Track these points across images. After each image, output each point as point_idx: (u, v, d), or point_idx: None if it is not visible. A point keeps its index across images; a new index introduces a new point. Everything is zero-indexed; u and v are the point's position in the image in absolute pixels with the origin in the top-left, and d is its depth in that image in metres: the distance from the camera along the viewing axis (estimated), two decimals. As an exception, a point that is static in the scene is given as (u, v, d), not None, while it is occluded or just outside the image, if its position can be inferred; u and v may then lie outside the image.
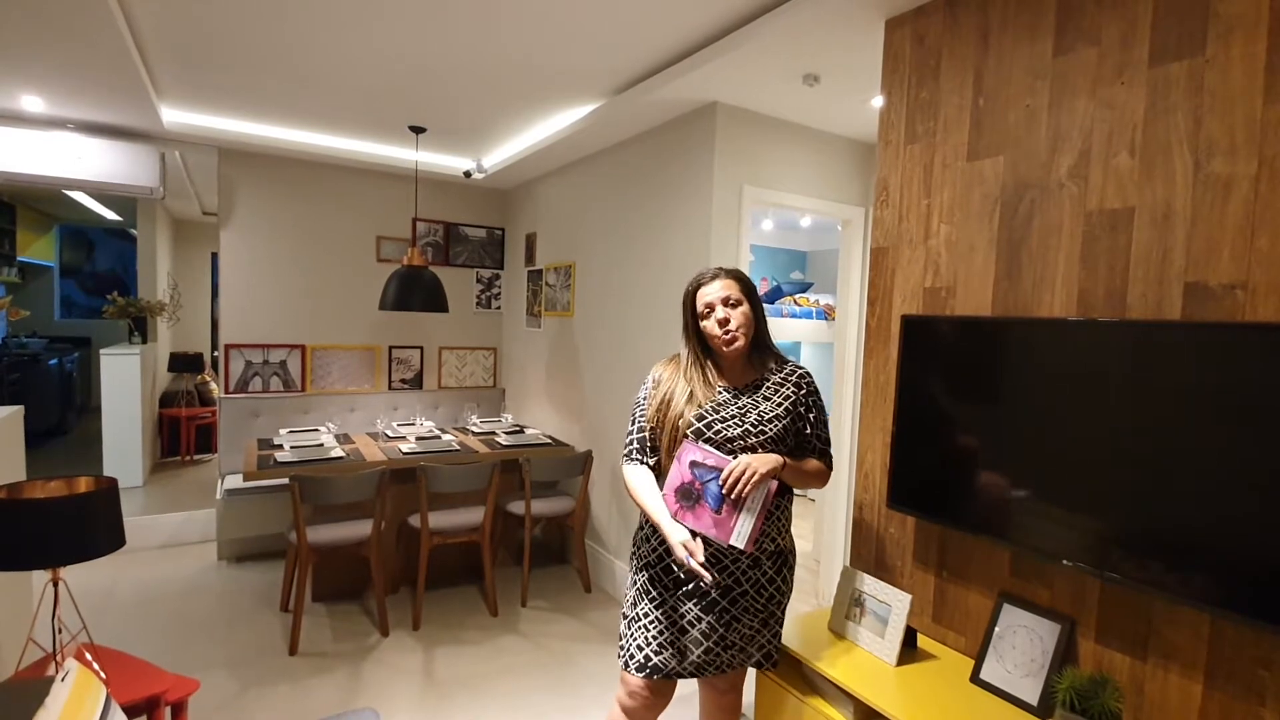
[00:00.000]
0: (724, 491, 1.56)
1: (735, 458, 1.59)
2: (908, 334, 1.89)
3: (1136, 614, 1.48)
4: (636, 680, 1.72)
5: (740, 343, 1.68)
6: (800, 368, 1.76)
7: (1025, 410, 1.61)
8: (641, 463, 1.74)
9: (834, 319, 4.16)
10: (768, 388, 1.71)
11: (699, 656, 1.66)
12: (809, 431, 1.71)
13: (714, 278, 1.70)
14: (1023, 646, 1.63)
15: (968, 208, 1.83)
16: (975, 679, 1.69)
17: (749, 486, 1.53)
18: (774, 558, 1.70)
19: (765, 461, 1.57)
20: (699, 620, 1.66)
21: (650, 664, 1.69)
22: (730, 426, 1.65)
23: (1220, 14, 1.36)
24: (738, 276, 1.71)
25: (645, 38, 2.46)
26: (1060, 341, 1.55)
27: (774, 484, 1.56)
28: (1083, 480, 1.49)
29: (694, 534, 1.64)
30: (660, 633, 1.69)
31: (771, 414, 1.66)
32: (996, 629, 1.70)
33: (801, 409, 1.70)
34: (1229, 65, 1.35)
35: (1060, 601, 1.62)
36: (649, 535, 1.76)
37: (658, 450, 1.73)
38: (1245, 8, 1.33)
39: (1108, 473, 1.45)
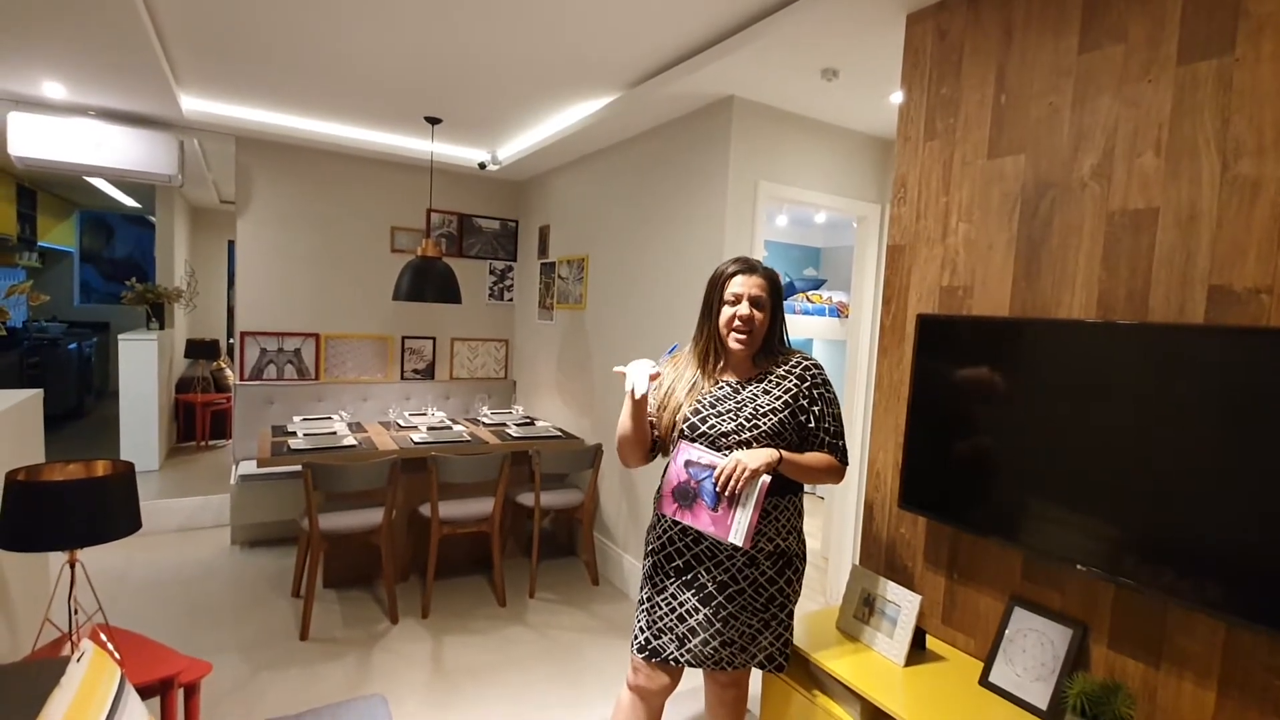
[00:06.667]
0: (718, 489, 1.56)
1: (730, 454, 1.59)
2: (923, 333, 1.87)
3: (1150, 620, 1.46)
4: (638, 659, 1.76)
5: (745, 347, 1.68)
6: (808, 359, 1.74)
7: (1042, 412, 1.59)
8: None
9: (847, 316, 4.13)
10: (770, 381, 1.70)
11: (698, 648, 1.67)
12: (813, 425, 1.69)
13: (750, 270, 1.69)
14: (1033, 650, 1.62)
15: (987, 206, 1.81)
16: (984, 682, 1.68)
17: (740, 483, 1.53)
18: (773, 558, 1.68)
19: (757, 457, 1.55)
20: (696, 611, 1.67)
21: (650, 646, 1.72)
22: (724, 421, 1.65)
23: (1251, 12, 1.33)
24: (772, 280, 1.71)
25: (662, 31, 2.45)
26: (1079, 343, 1.53)
27: (767, 478, 1.55)
28: (1098, 484, 1.47)
29: (698, 533, 1.65)
30: (661, 618, 1.71)
31: (768, 408, 1.65)
32: (1007, 632, 1.68)
33: (804, 401, 1.68)
34: (1259, 64, 1.32)
35: (1072, 606, 1.61)
36: (654, 523, 1.78)
37: (661, 442, 1.76)
38: (1276, 7, 1.29)
39: (1124, 477, 1.43)
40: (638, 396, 1.63)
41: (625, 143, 3.63)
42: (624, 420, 1.71)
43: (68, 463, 1.87)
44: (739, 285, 1.68)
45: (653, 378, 1.64)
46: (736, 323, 1.66)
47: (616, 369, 1.69)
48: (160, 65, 2.90)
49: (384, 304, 4.66)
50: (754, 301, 1.67)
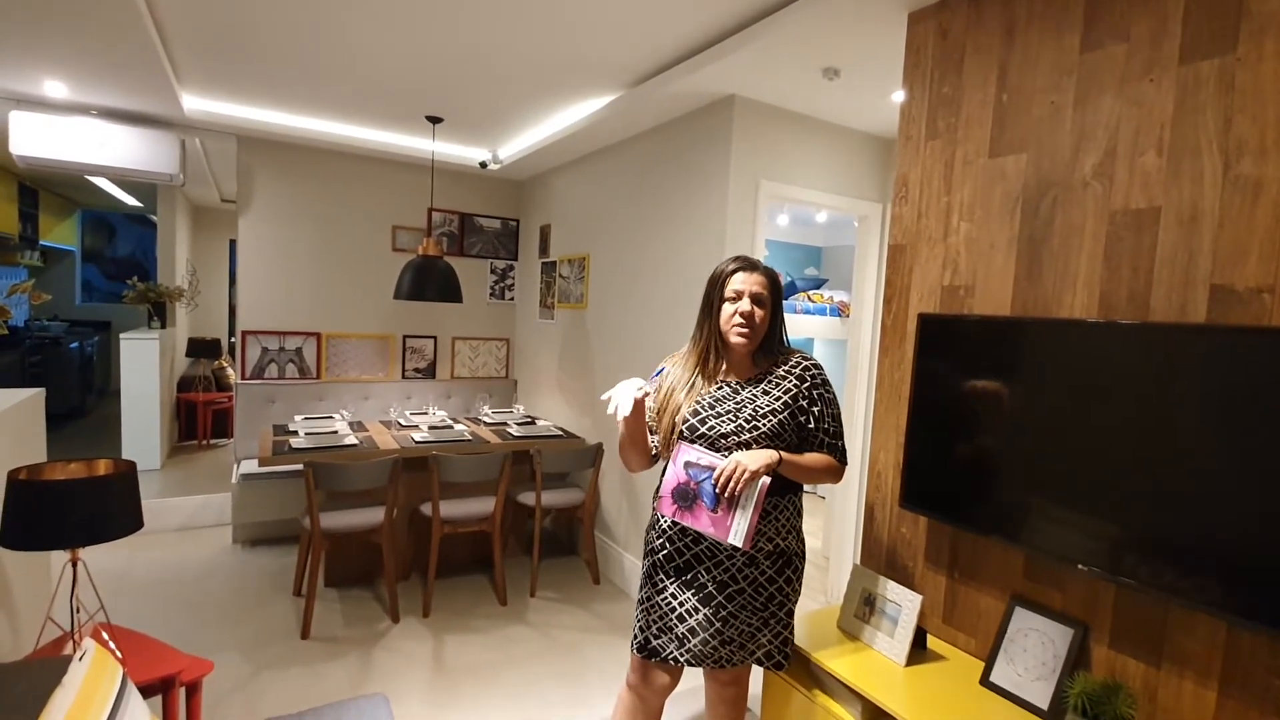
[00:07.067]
0: (717, 491, 1.55)
1: (729, 455, 1.58)
2: (924, 333, 1.87)
3: (1151, 620, 1.46)
4: (636, 659, 1.77)
5: (748, 342, 1.68)
6: (808, 359, 1.73)
7: (1043, 412, 1.59)
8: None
9: (848, 316, 4.13)
10: (769, 381, 1.69)
11: (698, 647, 1.67)
12: (812, 425, 1.69)
13: (751, 268, 1.69)
14: (1034, 650, 1.62)
15: (988, 205, 1.81)
16: (985, 681, 1.68)
17: (740, 485, 1.52)
18: (773, 558, 1.68)
19: (756, 458, 1.55)
20: (696, 611, 1.67)
21: (649, 646, 1.72)
22: (724, 423, 1.64)
23: (1253, 12, 1.33)
24: (772, 278, 1.71)
25: (663, 30, 2.45)
26: (1080, 343, 1.53)
27: (767, 480, 1.55)
28: (1099, 483, 1.47)
29: (697, 533, 1.65)
30: (661, 617, 1.71)
31: (767, 409, 1.65)
32: (1008, 632, 1.68)
33: (804, 402, 1.68)
34: (1261, 64, 1.31)
35: (1073, 606, 1.61)
36: (653, 523, 1.78)
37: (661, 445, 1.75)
38: (1278, 6, 1.29)
39: (1125, 476, 1.43)
40: (619, 419, 1.63)
41: (626, 142, 3.63)
42: (621, 430, 1.71)
43: (69, 462, 1.87)
44: (740, 282, 1.68)
45: (638, 401, 1.63)
46: (738, 319, 1.66)
47: (604, 396, 1.67)
48: (162, 64, 2.90)
49: (385, 303, 4.66)
50: (755, 298, 1.66)
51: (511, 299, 5.16)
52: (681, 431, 1.68)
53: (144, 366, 4.96)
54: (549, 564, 3.87)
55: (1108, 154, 1.55)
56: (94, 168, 3.66)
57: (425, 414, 4.20)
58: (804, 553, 1.77)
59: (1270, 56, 1.30)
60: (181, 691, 1.89)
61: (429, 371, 4.88)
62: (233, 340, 7.14)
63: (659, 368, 1.79)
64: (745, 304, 1.65)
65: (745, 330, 1.66)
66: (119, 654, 1.83)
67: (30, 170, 4.20)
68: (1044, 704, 1.56)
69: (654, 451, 1.76)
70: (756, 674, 2.25)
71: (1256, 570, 1.25)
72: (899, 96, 2.11)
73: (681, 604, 1.68)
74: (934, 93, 1.96)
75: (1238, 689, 1.33)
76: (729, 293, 1.68)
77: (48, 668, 1.36)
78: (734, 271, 1.69)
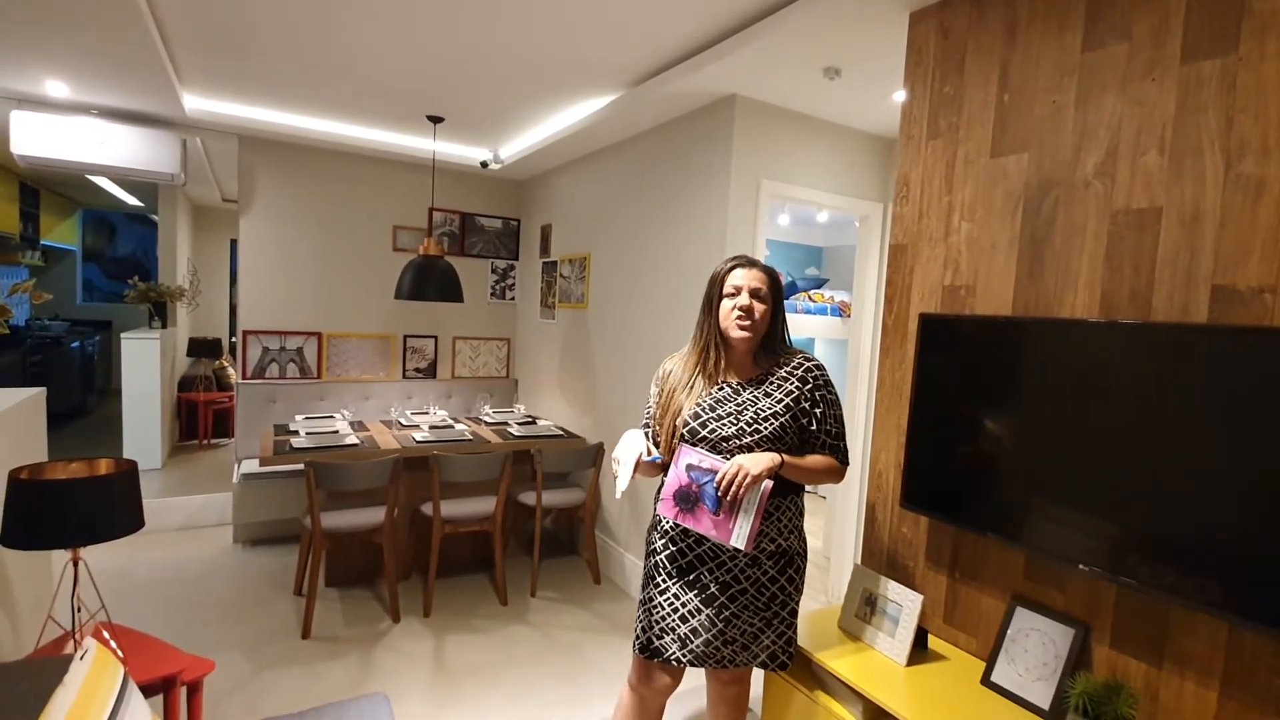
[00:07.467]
0: (719, 494, 1.55)
1: (731, 458, 1.58)
2: (925, 333, 1.87)
3: (1152, 620, 1.46)
4: (638, 659, 1.77)
5: (749, 336, 1.67)
6: (810, 359, 1.73)
7: (1044, 412, 1.58)
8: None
9: (849, 316, 4.13)
10: (771, 382, 1.69)
11: (700, 648, 1.67)
12: (814, 427, 1.69)
13: (750, 265, 1.70)
14: (1035, 650, 1.62)
15: (990, 205, 1.80)
16: (986, 681, 1.68)
17: (742, 489, 1.52)
18: (775, 558, 1.68)
19: (759, 462, 1.55)
20: (698, 611, 1.67)
21: (651, 646, 1.72)
22: (725, 425, 1.64)
23: (1255, 11, 1.32)
24: (772, 275, 1.71)
25: (664, 29, 2.45)
26: (1082, 343, 1.52)
27: (769, 483, 1.55)
28: (1100, 483, 1.47)
29: (699, 534, 1.66)
30: (663, 618, 1.71)
31: (769, 411, 1.65)
32: (1009, 632, 1.68)
33: (806, 404, 1.68)
34: (1263, 64, 1.31)
35: (1074, 606, 1.60)
36: (655, 523, 1.78)
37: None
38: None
39: (1126, 476, 1.42)
40: (617, 496, 1.71)
41: (627, 141, 3.63)
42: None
43: (70, 461, 1.87)
44: (739, 278, 1.68)
45: (638, 467, 1.67)
46: (737, 313, 1.66)
47: (617, 495, 1.79)
48: (163, 64, 2.90)
49: (386, 303, 4.66)
50: (754, 293, 1.66)
51: (512, 299, 5.16)
52: (682, 434, 1.68)
53: (145, 366, 4.97)
54: (550, 564, 3.87)
55: (1109, 153, 1.55)
56: (95, 167, 3.66)
57: (426, 414, 4.19)
58: (805, 552, 1.76)
59: (1272, 56, 1.30)
60: (183, 691, 1.89)
61: (430, 371, 4.89)
62: (233, 340, 7.15)
63: (654, 386, 1.79)
64: (744, 298, 1.65)
65: (746, 324, 1.66)
66: (120, 653, 1.84)
67: (31, 170, 4.21)
68: (1045, 704, 1.56)
69: (661, 460, 1.76)
70: (757, 674, 2.25)
71: (1257, 570, 1.24)
72: (900, 96, 2.11)
73: (684, 604, 1.68)
74: (935, 92, 1.96)
75: (1239, 689, 1.33)
76: (728, 288, 1.68)
77: (49, 667, 1.36)
78: (733, 268, 1.70)
